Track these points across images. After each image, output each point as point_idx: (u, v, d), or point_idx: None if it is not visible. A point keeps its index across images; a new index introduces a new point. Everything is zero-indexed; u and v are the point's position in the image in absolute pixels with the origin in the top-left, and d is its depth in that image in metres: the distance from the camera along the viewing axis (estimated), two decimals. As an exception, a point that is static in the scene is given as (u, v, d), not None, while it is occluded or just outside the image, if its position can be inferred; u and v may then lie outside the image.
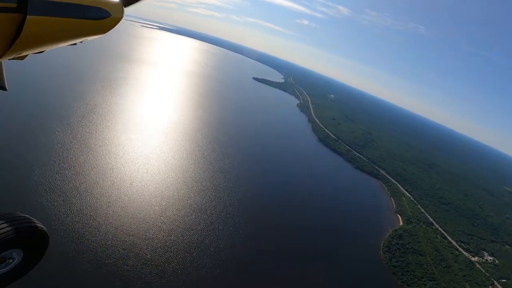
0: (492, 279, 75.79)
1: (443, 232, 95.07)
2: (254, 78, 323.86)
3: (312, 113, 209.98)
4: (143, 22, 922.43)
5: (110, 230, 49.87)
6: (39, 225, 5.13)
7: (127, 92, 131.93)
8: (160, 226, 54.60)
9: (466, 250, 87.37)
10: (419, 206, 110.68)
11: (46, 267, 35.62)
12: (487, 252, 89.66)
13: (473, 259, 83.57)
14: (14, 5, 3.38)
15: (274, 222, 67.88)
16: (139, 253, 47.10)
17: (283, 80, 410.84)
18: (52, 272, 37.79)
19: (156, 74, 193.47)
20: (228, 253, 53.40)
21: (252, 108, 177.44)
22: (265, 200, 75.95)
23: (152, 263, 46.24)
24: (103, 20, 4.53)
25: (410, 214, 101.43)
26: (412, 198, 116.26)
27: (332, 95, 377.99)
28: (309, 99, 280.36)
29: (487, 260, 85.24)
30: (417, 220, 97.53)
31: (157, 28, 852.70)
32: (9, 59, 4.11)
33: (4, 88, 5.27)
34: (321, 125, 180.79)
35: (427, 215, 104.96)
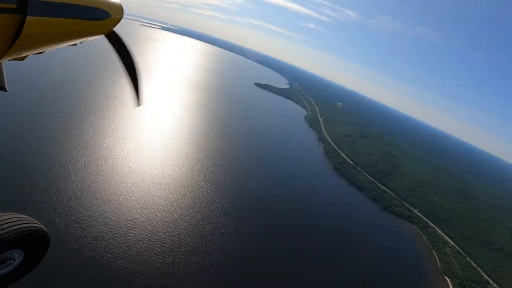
0: None
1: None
2: (256, 84, 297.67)
3: (323, 129, 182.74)
4: (146, 21, 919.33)
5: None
6: (39, 225, 5.20)
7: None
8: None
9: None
10: (468, 258, 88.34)
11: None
12: None
13: None
14: (13, 5, 3.33)
15: None
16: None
17: (287, 86, 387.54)
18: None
19: (147, 84, 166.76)
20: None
21: (252, 125, 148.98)
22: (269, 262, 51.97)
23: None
24: (103, 20, 4.53)
25: (461, 273, 79.91)
26: (457, 247, 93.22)
27: (340, 103, 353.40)
28: (317, 109, 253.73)
29: None
30: (472, 281, 76.95)
31: (159, 28, 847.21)
32: (9, 60, 4.06)
33: (4, 89, 5.13)
34: (334, 146, 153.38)
35: (481, 271, 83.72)
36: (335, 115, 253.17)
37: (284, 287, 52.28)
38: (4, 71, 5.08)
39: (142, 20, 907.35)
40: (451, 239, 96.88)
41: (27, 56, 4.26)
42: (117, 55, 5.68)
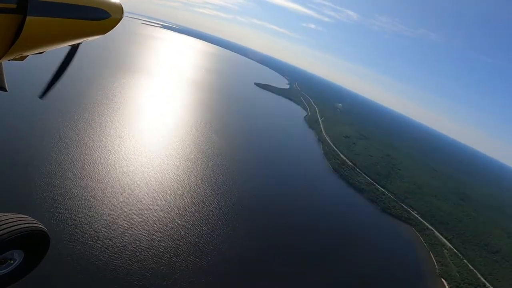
0: None
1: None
2: (256, 84, 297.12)
3: (322, 130, 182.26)
4: (147, 20, 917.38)
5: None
6: (39, 225, 5.19)
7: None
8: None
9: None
10: (465, 261, 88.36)
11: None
12: None
13: None
14: (14, 5, 3.37)
15: None
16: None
17: (287, 86, 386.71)
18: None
19: (146, 84, 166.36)
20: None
21: (251, 125, 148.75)
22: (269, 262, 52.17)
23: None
24: (103, 20, 4.53)
25: (458, 275, 79.76)
26: (454, 249, 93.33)
27: (340, 104, 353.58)
28: (317, 109, 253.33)
29: None
30: (468, 284, 76.95)
31: (159, 27, 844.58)
32: (9, 60, 4.09)
33: (4, 89, 5.14)
34: (333, 146, 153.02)
35: (477, 273, 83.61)
36: (334, 116, 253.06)
37: (284, 287, 52.17)
38: (4, 71, 5.09)
39: (143, 19, 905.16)
40: (448, 242, 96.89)
41: (27, 56, 4.27)
42: (65, 58, 5.69)
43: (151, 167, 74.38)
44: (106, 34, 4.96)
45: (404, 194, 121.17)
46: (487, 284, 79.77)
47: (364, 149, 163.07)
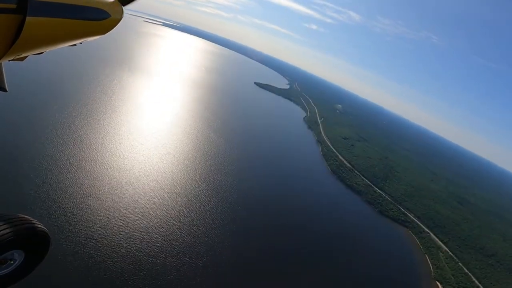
0: None
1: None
2: (256, 83, 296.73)
3: (322, 131, 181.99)
4: (148, 17, 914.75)
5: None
6: (39, 225, 5.20)
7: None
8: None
9: None
10: (460, 264, 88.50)
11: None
12: None
13: None
14: (13, 6, 3.38)
15: None
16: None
17: (287, 86, 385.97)
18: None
19: (146, 82, 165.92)
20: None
21: (250, 124, 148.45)
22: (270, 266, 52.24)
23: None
24: (102, 21, 4.54)
25: (452, 278, 79.82)
26: (450, 252, 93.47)
27: (340, 105, 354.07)
28: (316, 110, 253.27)
29: None
30: (463, 287, 77.33)
31: (161, 25, 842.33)
32: (9, 60, 4.11)
33: (4, 89, 5.13)
34: (332, 148, 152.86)
35: (472, 277, 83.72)
36: (334, 117, 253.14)
37: (283, 287, 52.20)
38: (4, 71, 5.10)
39: (146, 16, 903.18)
40: (444, 245, 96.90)
41: (27, 56, 4.29)
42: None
43: (149, 165, 74.09)
44: (106, 34, 4.98)
45: (401, 196, 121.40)
46: (481, 287, 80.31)
47: (363, 151, 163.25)
